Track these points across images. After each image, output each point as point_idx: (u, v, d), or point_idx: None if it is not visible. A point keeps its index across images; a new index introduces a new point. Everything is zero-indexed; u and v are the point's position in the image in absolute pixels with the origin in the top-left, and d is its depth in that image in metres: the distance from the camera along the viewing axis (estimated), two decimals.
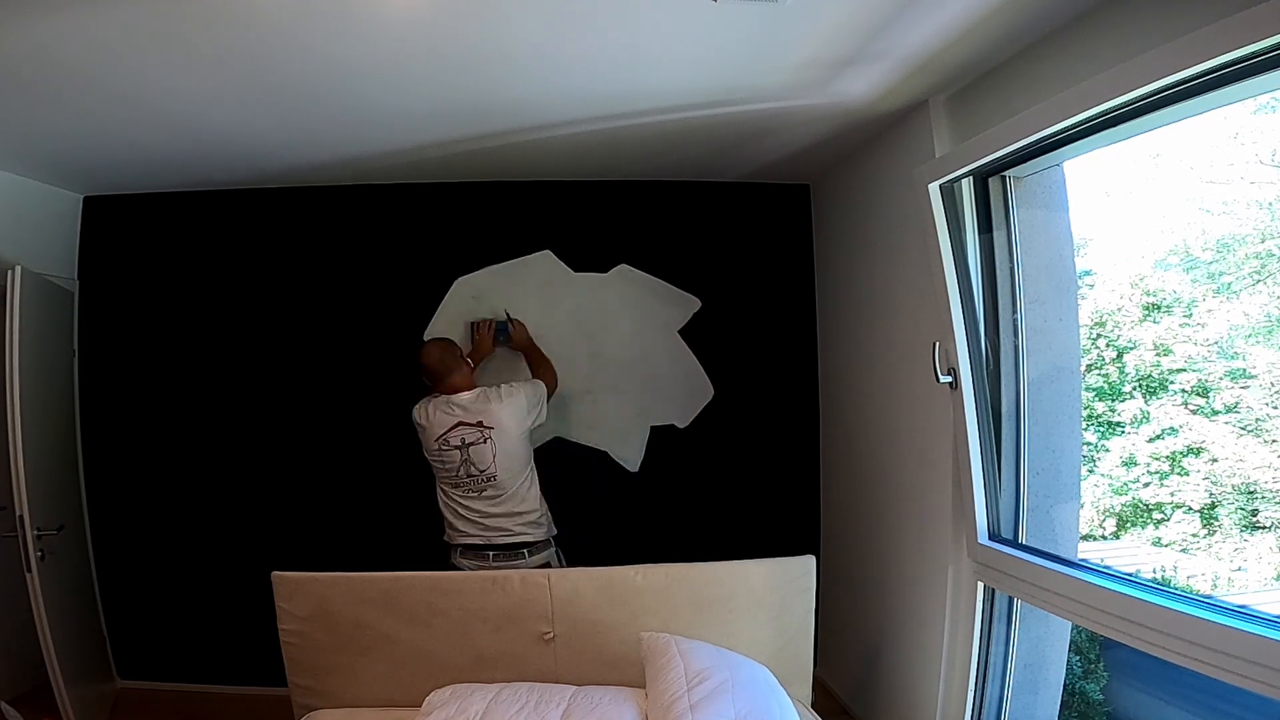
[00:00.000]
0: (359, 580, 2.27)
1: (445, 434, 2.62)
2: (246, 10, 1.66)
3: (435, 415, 2.66)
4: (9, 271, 2.59)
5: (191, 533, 3.26)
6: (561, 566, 2.75)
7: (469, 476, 2.62)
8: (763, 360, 3.35)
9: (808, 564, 2.34)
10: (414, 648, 2.25)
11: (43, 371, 2.81)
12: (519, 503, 2.67)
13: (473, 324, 3.18)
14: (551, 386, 2.94)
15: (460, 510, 2.65)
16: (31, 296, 2.65)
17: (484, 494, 2.63)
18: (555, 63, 2.00)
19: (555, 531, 2.78)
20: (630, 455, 3.32)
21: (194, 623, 3.26)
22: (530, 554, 2.66)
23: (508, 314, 3.17)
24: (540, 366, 3.04)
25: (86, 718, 2.76)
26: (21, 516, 2.51)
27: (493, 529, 2.63)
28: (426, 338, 3.26)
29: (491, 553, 2.62)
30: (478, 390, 2.72)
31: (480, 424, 2.62)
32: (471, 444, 2.61)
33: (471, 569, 2.60)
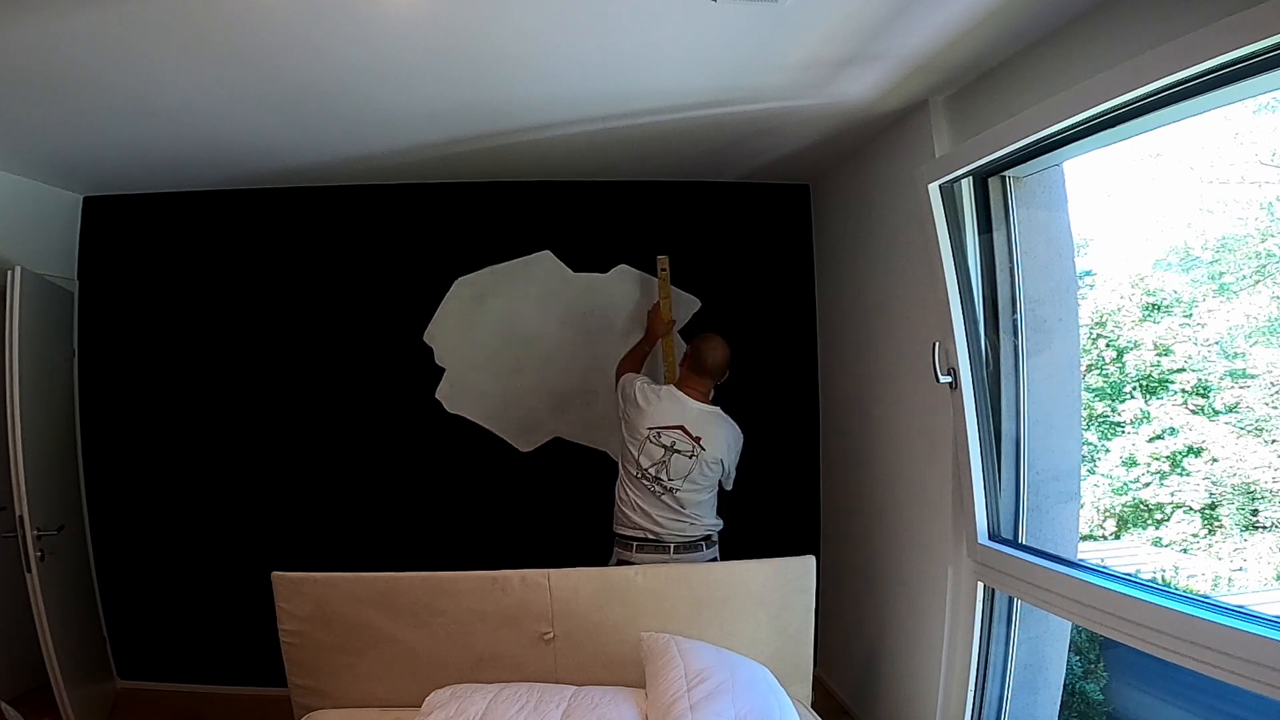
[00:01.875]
0: (359, 580, 2.27)
1: (663, 428, 2.52)
2: (247, 10, 1.66)
3: (660, 405, 2.53)
4: (9, 272, 2.59)
5: (191, 533, 3.26)
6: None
7: (655, 479, 2.53)
8: (763, 360, 3.35)
9: (808, 564, 2.34)
10: (414, 648, 2.25)
11: (43, 371, 2.81)
12: (691, 517, 2.58)
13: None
14: None
15: (638, 506, 2.57)
16: (31, 296, 2.65)
17: (661, 499, 2.55)
18: (555, 63, 2.00)
19: (721, 523, 2.70)
20: None
21: (194, 623, 3.26)
22: (706, 546, 2.61)
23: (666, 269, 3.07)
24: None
25: (87, 718, 2.76)
26: (21, 517, 2.51)
27: (669, 525, 2.56)
28: (427, 339, 3.27)
29: (672, 545, 2.55)
30: (713, 409, 2.59)
31: (699, 441, 2.51)
32: (678, 452, 2.51)
33: (647, 563, 2.51)
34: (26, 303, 2.60)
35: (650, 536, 2.57)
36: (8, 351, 2.54)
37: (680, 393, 2.59)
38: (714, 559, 2.65)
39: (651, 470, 2.54)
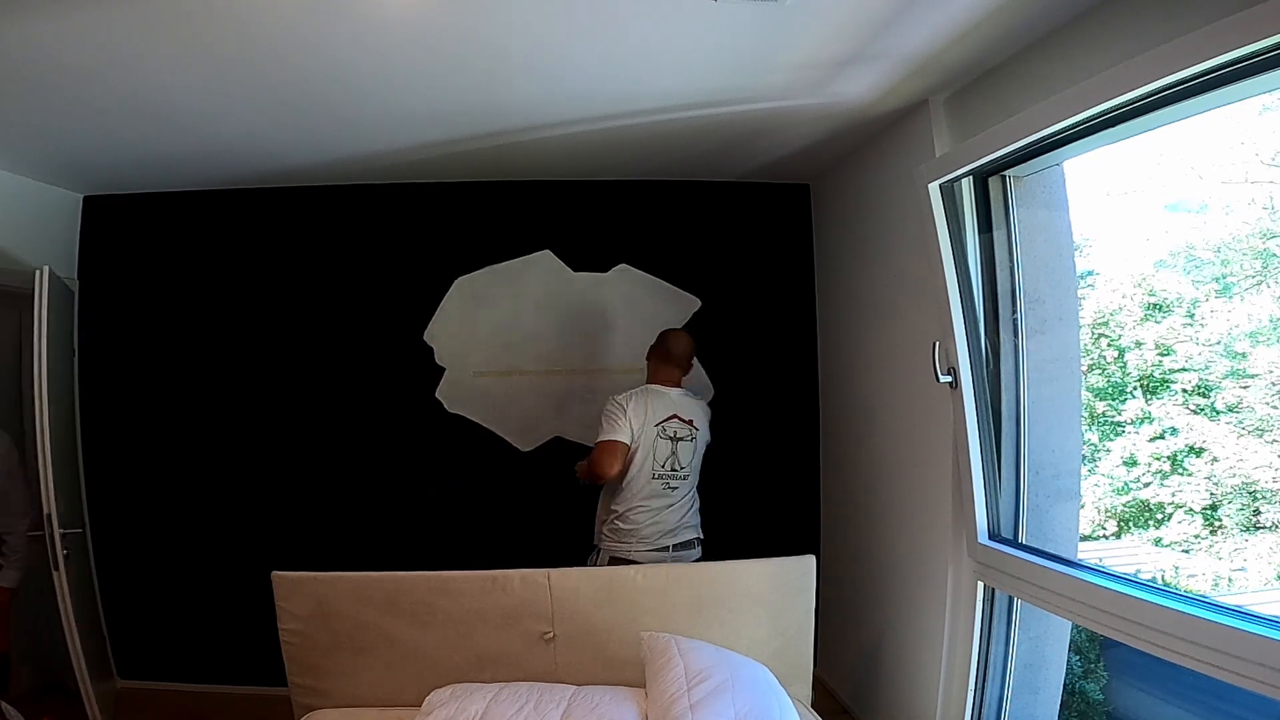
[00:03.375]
0: (359, 580, 2.27)
1: (664, 421, 2.57)
2: (248, 10, 1.66)
3: (653, 403, 2.58)
4: (36, 272, 2.59)
5: (191, 533, 3.26)
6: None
7: (672, 471, 2.57)
8: (763, 360, 3.35)
9: (808, 564, 2.34)
10: (414, 647, 2.25)
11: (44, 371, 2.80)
12: (689, 505, 2.65)
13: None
14: None
15: (646, 508, 2.56)
16: (56, 297, 2.65)
17: (674, 491, 2.59)
18: (555, 62, 2.00)
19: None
20: None
21: (194, 623, 3.26)
22: (698, 545, 2.67)
23: None
24: None
25: (88, 718, 2.76)
26: (49, 515, 2.52)
27: (672, 527, 2.59)
28: (427, 338, 3.27)
29: (671, 545, 2.59)
30: (685, 390, 2.69)
31: (691, 423, 2.62)
32: (682, 439, 2.59)
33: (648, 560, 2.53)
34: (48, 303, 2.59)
35: (660, 542, 2.59)
36: (37, 353, 2.54)
37: (657, 386, 2.65)
38: (700, 558, 2.68)
39: (667, 465, 2.58)
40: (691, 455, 2.62)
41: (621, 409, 2.57)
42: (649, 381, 2.69)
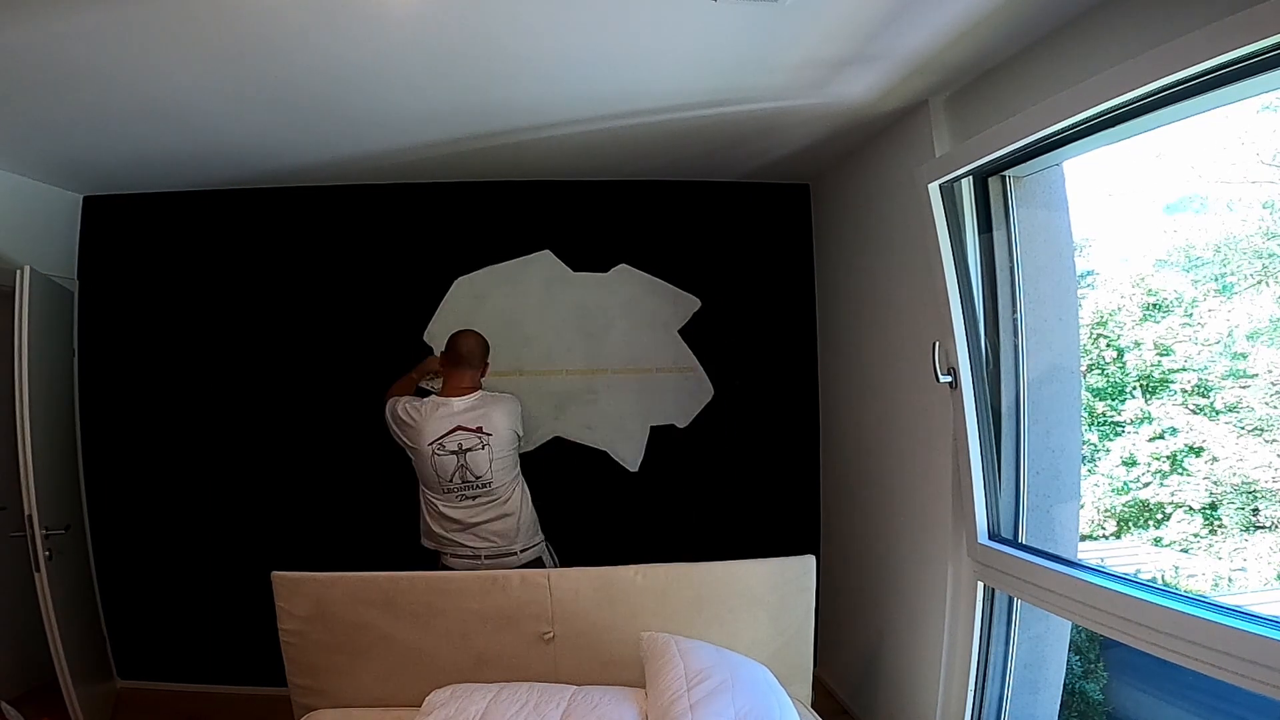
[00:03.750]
0: (358, 580, 2.27)
1: (441, 438, 2.55)
2: (248, 10, 1.66)
3: (429, 417, 2.57)
4: (18, 271, 2.59)
5: (191, 533, 3.26)
6: (554, 561, 2.75)
7: (464, 483, 2.57)
8: (763, 360, 3.35)
9: (808, 564, 2.34)
10: (413, 648, 2.25)
11: (43, 371, 2.81)
12: (507, 510, 2.63)
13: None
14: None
15: (447, 516, 2.61)
16: (33, 296, 2.65)
17: (477, 500, 2.59)
18: (555, 62, 2.00)
19: (542, 536, 2.77)
20: (630, 455, 3.32)
21: (194, 623, 3.26)
22: (522, 553, 2.65)
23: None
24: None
25: (91, 717, 2.76)
26: (30, 516, 2.52)
27: (481, 537, 2.60)
28: (427, 338, 3.27)
29: (484, 555, 2.60)
30: (478, 394, 2.65)
31: (480, 430, 2.57)
32: (469, 450, 2.56)
33: (462, 569, 2.57)
34: (33, 303, 2.60)
35: (465, 553, 2.61)
36: (19, 351, 2.54)
37: (443, 398, 2.63)
38: (537, 560, 2.67)
39: (456, 478, 2.57)
40: (488, 463, 2.57)
41: (406, 409, 2.61)
42: (441, 393, 2.66)
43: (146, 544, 3.26)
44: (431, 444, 2.56)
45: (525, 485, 2.75)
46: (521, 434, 2.76)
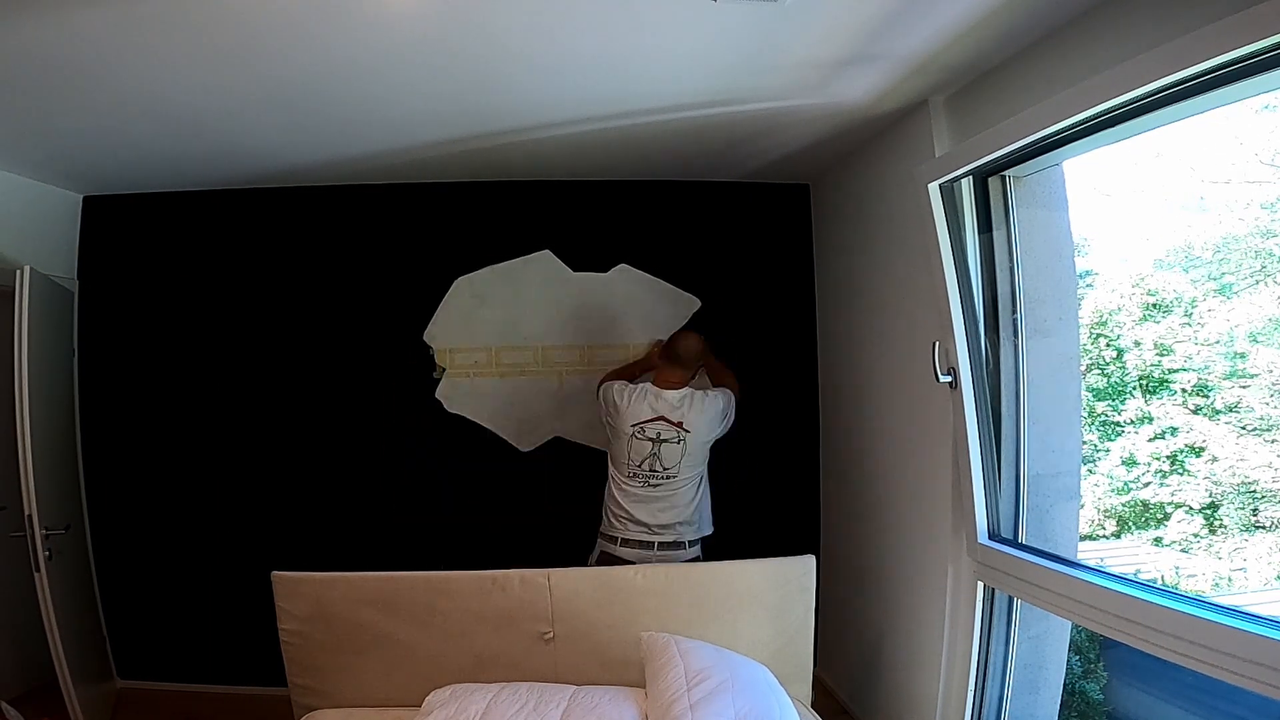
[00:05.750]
0: (358, 580, 2.27)
1: (643, 423, 2.64)
2: (248, 9, 1.66)
3: (636, 403, 2.67)
4: (17, 271, 2.59)
5: (191, 533, 3.26)
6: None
7: (651, 470, 2.65)
8: (762, 360, 3.35)
9: (808, 564, 2.34)
10: (413, 648, 2.25)
11: (43, 371, 2.81)
12: (686, 502, 2.69)
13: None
14: (738, 394, 2.89)
15: (631, 499, 2.66)
16: (33, 296, 2.65)
17: (658, 489, 2.65)
18: (556, 63, 2.00)
19: (711, 530, 2.80)
20: None
21: (194, 623, 3.26)
22: (690, 546, 2.70)
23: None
24: (723, 375, 2.98)
25: (91, 717, 2.76)
26: (30, 516, 2.52)
27: (658, 525, 2.65)
28: (427, 338, 3.27)
29: (656, 543, 2.64)
30: (686, 390, 2.70)
31: (680, 425, 2.64)
32: (665, 441, 2.64)
33: (633, 560, 2.61)
34: (33, 303, 2.60)
35: (641, 536, 2.65)
36: (18, 351, 2.54)
37: (654, 387, 2.70)
38: (696, 558, 2.70)
39: (645, 465, 2.64)
40: (679, 457, 2.64)
41: (620, 392, 2.71)
42: (653, 381, 2.74)
43: (146, 544, 3.26)
44: (634, 426, 2.65)
45: (707, 481, 2.79)
46: (723, 430, 2.78)
